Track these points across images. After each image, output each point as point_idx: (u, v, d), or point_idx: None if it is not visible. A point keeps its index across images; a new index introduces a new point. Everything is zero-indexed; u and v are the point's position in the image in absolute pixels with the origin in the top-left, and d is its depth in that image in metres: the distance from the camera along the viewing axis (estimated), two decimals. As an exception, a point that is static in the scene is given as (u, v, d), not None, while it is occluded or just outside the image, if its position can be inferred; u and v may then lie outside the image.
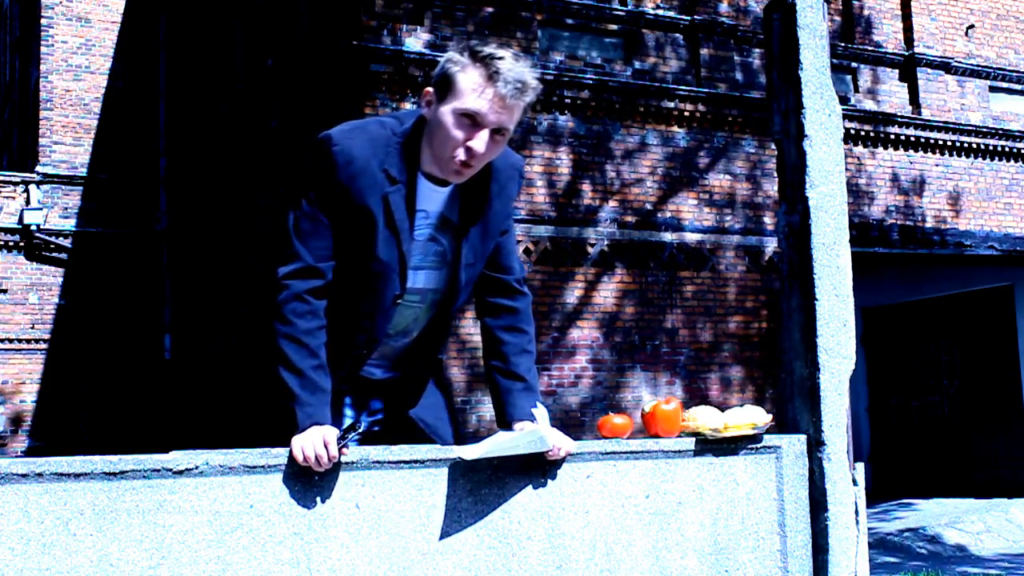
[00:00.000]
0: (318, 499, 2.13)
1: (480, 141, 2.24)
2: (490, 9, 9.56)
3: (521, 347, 2.47)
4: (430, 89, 2.30)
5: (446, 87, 2.25)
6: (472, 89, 2.22)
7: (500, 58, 2.23)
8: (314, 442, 2.11)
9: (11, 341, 15.48)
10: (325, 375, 2.24)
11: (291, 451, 2.13)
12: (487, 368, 2.49)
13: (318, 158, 2.29)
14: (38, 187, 15.81)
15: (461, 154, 2.25)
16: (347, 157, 2.26)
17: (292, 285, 2.26)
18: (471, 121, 2.23)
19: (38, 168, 15.92)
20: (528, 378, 2.45)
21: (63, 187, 15.95)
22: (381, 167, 2.28)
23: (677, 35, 10.49)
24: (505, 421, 2.41)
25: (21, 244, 15.65)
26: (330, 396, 2.24)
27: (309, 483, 2.12)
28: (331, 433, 2.14)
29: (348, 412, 2.45)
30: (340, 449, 2.14)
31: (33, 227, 15.51)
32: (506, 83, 2.21)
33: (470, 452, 2.21)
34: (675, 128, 10.24)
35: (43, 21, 16.18)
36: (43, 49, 16.13)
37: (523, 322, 2.51)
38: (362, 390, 2.47)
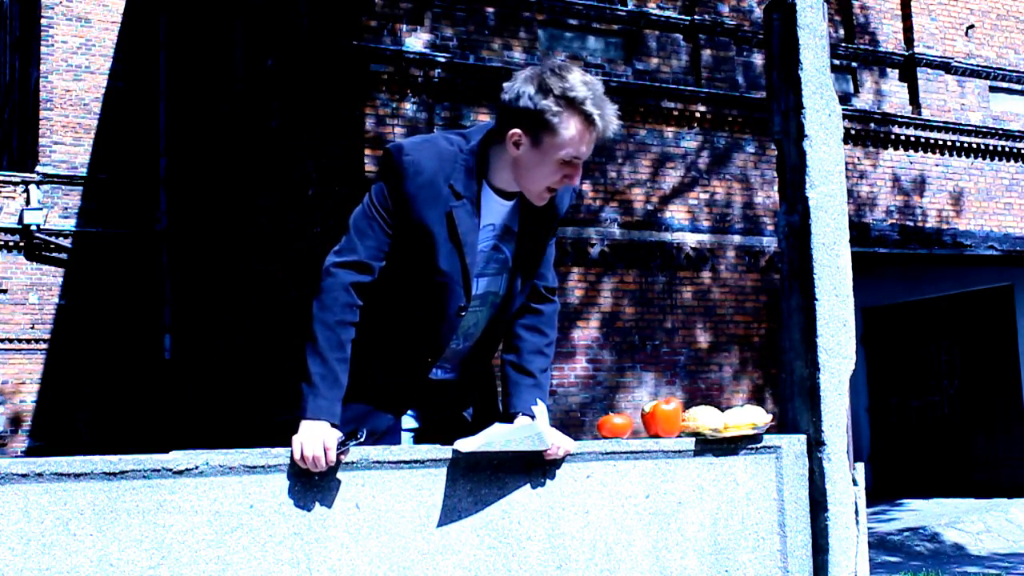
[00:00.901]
0: (318, 499, 2.13)
1: (578, 175, 2.33)
2: (491, 9, 9.56)
3: (538, 347, 2.52)
4: (518, 131, 2.29)
5: (542, 130, 2.27)
6: (575, 138, 2.26)
7: (588, 97, 2.24)
8: (314, 445, 2.12)
9: (11, 341, 15.48)
10: (345, 371, 2.26)
11: (292, 445, 2.14)
12: (502, 363, 2.52)
13: (388, 166, 2.33)
14: (38, 187, 15.81)
15: (557, 186, 2.33)
16: (416, 168, 2.30)
17: (340, 275, 2.29)
18: (570, 162, 2.29)
19: (38, 168, 15.92)
20: (539, 376, 2.48)
21: (63, 187, 15.94)
22: (447, 181, 2.32)
23: (678, 35, 10.50)
24: (507, 412, 2.42)
25: (21, 244, 15.65)
26: (343, 394, 2.25)
27: (309, 483, 2.13)
28: (332, 437, 2.14)
29: (410, 420, 2.49)
30: (339, 455, 2.14)
31: (33, 227, 15.51)
32: (607, 128, 2.27)
33: (466, 445, 2.22)
34: (676, 128, 10.24)
35: (43, 21, 16.17)
36: (43, 49, 16.12)
37: (545, 325, 2.56)
38: (423, 392, 2.49)
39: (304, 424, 2.17)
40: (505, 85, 2.32)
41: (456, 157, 2.34)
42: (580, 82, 2.25)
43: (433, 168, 2.31)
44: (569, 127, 2.25)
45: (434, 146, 2.35)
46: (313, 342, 2.24)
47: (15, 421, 15.44)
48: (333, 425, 2.19)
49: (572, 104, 2.24)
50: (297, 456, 2.12)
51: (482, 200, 2.37)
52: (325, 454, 2.11)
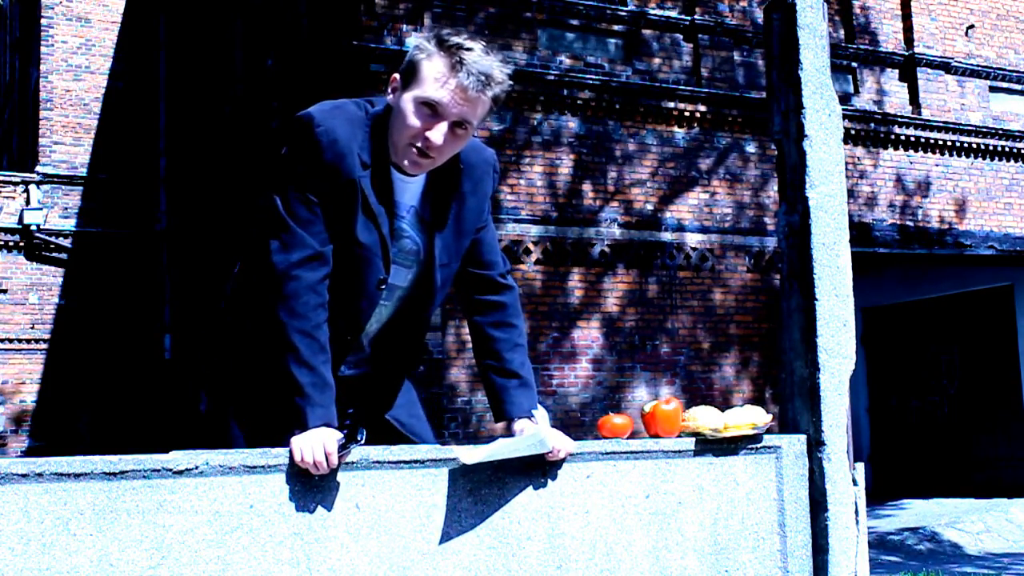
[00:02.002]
0: (318, 499, 2.13)
1: (438, 132, 2.18)
2: (491, 9, 9.56)
3: (513, 342, 2.44)
4: (396, 76, 2.26)
5: (411, 74, 2.21)
6: (435, 78, 2.17)
7: (468, 49, 2.18)
8: (314, 447, 2.07)
9: (11, 341, 15.48)
10: (330, 370, 2.20)
11: (290, 450, 2.11)
12: (481, 367, 2.45)
13: (302, 140, 2.22)
14: (38, 187, 15.81)
15: (419, 143, 2.20)
16: (331, 137, 2.20)
17: (302, 276, 2.18)
18: (431, 111, 2.19)
19: (38, 168, 15.92)
20: (523, 373, 2.43)
21: (63, 187, 15.95)
22: (359, 150, 2.23)
23: (678, 36, 10.50)
24: (503, 418, 2.40)
25: (21, 244, 15.65)
26: (335, 393, 2.20)
27: (309, 483, 2.12)
28: (332, 440, 2.10)
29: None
30: (340, 458, 2.12)
31: (33, 227, 15.51)
32: (469, 74, 2.16)
33: (470, 456, 2.21)
34: (676, 128, 10.24)
35: (43, 21, 16.18)
36: (43, 49, 16.13)
37: (512, 316, 2.47)
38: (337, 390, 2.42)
39: (303, 435, 2.12)
40: None
41: (364, 123, 2.26)
42: (464, 38, 2.19)
43: (346, 135, 2.21)
44: (431, 66, 2.18)
45: (344, 113, 2.25)
46: (294, 352, 2.15)
47: (15, 421, 15.44)
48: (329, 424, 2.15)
49: (441, 46, 2.18)
50: (298, 460, 2.08)
51: (390, 174, 2.28)
52: (327, 458, 2.08)
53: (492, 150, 2.49)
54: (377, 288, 2.30)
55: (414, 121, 2.19)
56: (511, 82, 2.26)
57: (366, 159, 2.23)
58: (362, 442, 2.17)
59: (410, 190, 2.32)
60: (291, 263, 2.18)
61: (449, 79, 2.17)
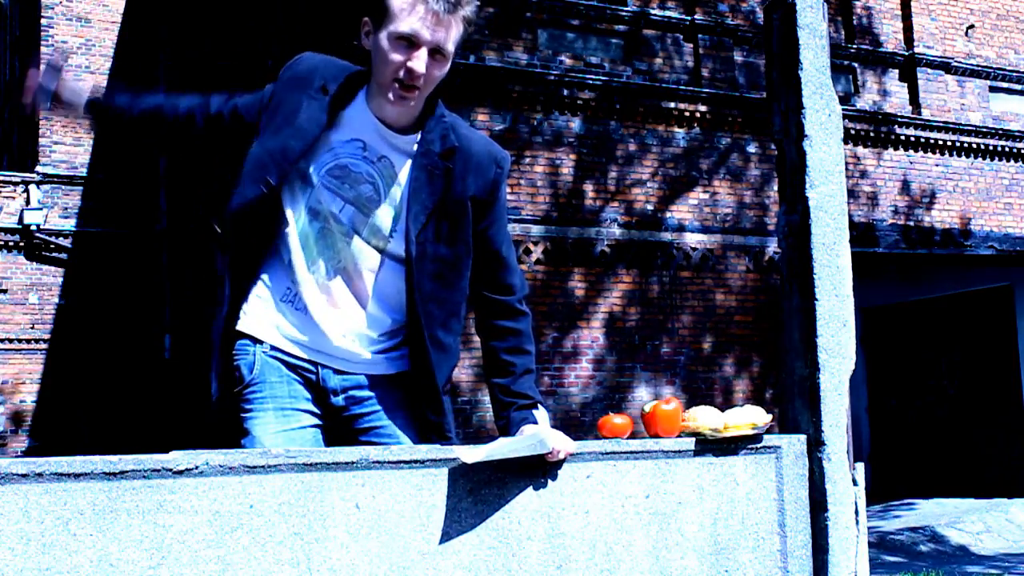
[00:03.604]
0: (318, 499, 2.13)
1: (419, 61, 2.20)
2: (492, 9, 9.56)
3: (525, 367, 2.45)
4: (367, 19, 2.27)
5: (380, 13, 2.23)
6: (403, 9, 2.19)
7: None
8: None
9: (11, 341, 15.49)
10: (122, 100, 2.43)
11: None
12: (491, 385, 2.44)
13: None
14: (38, 187, 15.81)
15: (401, 76, 2.21)
16: (299, 60, 2.33)
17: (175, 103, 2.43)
18: (408, 43, 2.20)
19: (38, 168, 15.93)
20: (533, 395, 2.43)
21: (63, 187, 15.95)
22: (323, 81, 2.30)
23: (678, 36, 10.50)
24: (507, 432, 2.40)
25: (21, 244, 15.66)
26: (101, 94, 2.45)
27: (309, 483, 2.13)
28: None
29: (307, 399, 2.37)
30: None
31: (33, 227, 15.52)
32: None
33: (471, 455, 2.21)
34: (676, 128, 10.24)
35: (43, 21, 16.18)
36: (43, 49, 16.13)
37: (526, 343, 2.47)
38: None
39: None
40: None
41: (349, 70, 2.33)
42: None
43: (314, 65, 2.31)
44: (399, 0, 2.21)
45: (331, 58, 2.36)
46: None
47: (15, 421, 15.44)
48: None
49: None
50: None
51: (352, 112, 2.30)
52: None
53: (507, 153, 2.48)
54: (265, 187, 2.31)
55: (394, 56, 2.21)
56: (478, 2, 2.29)
57: (329, 89, 2.30)
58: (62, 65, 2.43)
59: (386, 142, 2.32)
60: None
61: (417, 6, 2.19)
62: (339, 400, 2.37)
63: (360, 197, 2.31)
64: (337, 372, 2.36)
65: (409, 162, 2.33)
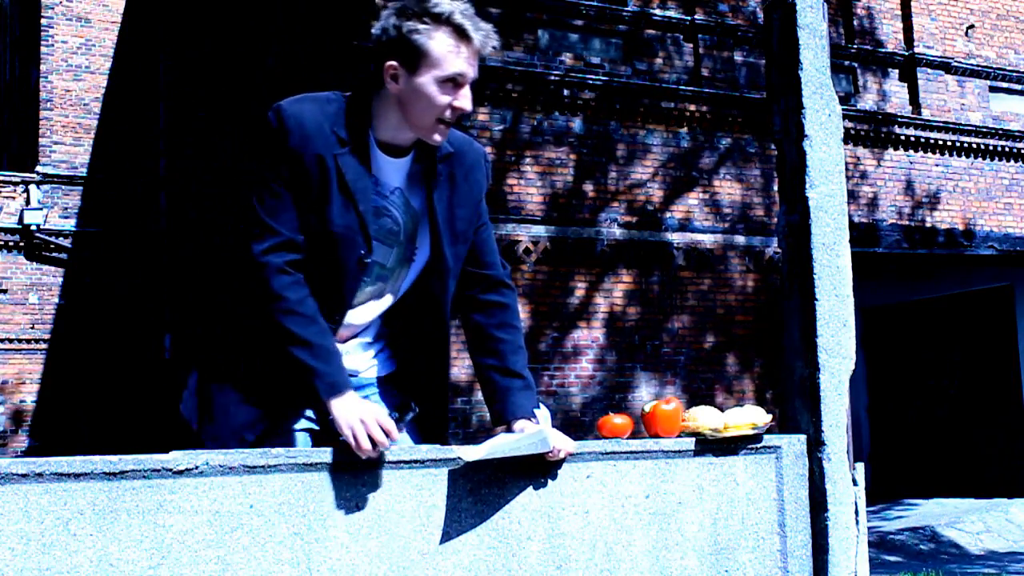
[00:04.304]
0: (318, 499, 2.13)
1: (466, 99, 2.23)
2: (493, 9, 9.56)
3: (516, 344, 2.44)
4: (394, 63, 2.23)
5: (415, 56, 2.20)
6: (449, 52, 2.18)
7: (452, 12, 2.19)
8: (371, 428, 2.07)
9: (11, 341, 15.48)
10: (331, 339, 2.20)
11: (340, 433, 2.09)
12: (481, 366, 2.44)
13: (271, 130, 2.23)
14: (38, 187, 15.81)
15: (448, 116, 2.23)
16: (298, 121, 2.20)
17: (270, 261, 2.19)
18: (454, 84, 2.21)
19: (38, 168, 15.92)
20: (526, 375, 2.42)
21: (63, 187, 15.95)
22: (332, 128, 2.23)
23: (679, 35, 10.50)
24: (504, 419, 2.39)
25: (21, 244, 15.65)
26: (341, 358, 2.20)
27: (309, 483, 2.12)
28: (383, 414, 2.10)
29: (305, 422, 2.37)
30: (401, 428, 2.13)
31: (33, 227, 15.51)
32: (477, 32, 2.19)
33: (471, 453, 2.21)
34: (676, 128, 10.24)
35: (43, 21, 16.17)
36: (43, 49, 16.13)
37: (514, 318, 2.47)
38: None
39: (335, 408, 2.11)
40: (373, 28, 2.26)
41: (341, 105, 2.27)
42: (433, 2, 2.19)
43: (316, 118, 2.22)
44: (440, 43, 2.18)
45: (315, 99, 2.27)
46: (288, 336, 2.16)
47: (15, 421, 15.44)
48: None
49: (438, 19, 2.18)
50: (355, 446, 2.07)
51: (370, 151, 2.28)
52: (388, 435, 2.08)
53: (480, 144, 2.51)
54: (358, 266, 2.28)
55: (442, 99, 2.21)
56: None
57: (344, 136, 2.24)
58: (416, 412, 2.18)
59: (395, 170, 2.32)
60: (260, 251, 2.20)
61: (461, 48, 2.19)
62: None
63: (382, 230, 2.32)
64: None
65: (416, 179, 2.35)
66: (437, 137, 2.26)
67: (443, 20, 2.18)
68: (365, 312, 2.39)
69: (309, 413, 2.36)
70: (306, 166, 2.22)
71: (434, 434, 2.42)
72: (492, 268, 2.47)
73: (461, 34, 2.18)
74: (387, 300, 2.41)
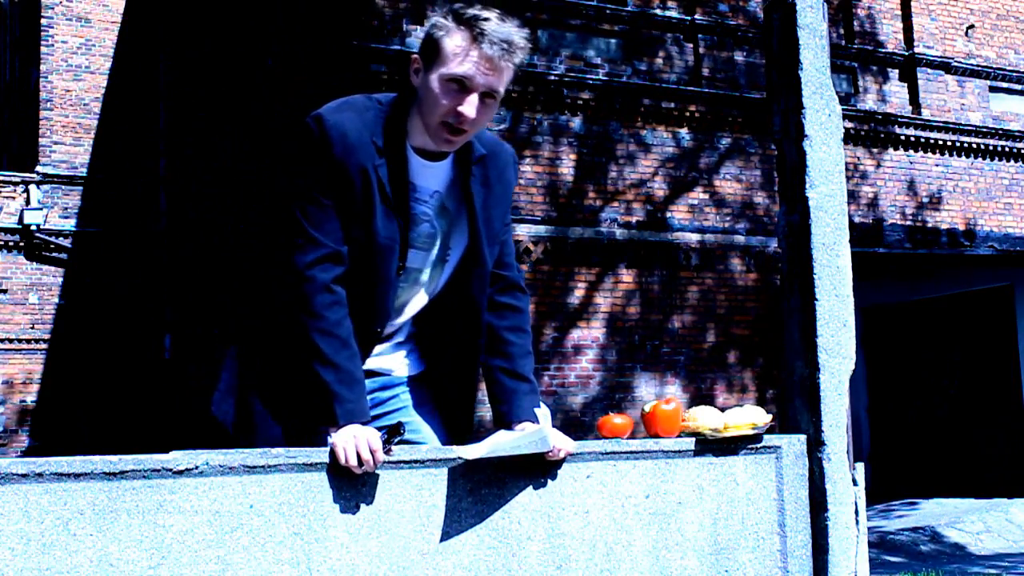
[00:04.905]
0: (318, 499, 2.13)
1: (470, 106, 2.19)
2: (492, 9, 9.55)
3: (526, 348, 2.45)
4: (417, 56, 2.25)
5: (432, 53, 2.21)
6: (458, 52, 2.17)
7: (485, 19, 2.18)
8: (358, 445, 2.08)
9: (11, 341, 15.48)
10: (359, 365, 2.20)
11: (331, 449, 2.10)
12: (489, 367, 2.44)
13: (312, 140, 2.22)
14: (38, 187, 15.81)
15: (451, 120, 2.20)
16: (340, 131, 2.20)
17: (317, 276, 2.18)
18: (460, 86, 2.19)
19: (38, 168, 15.92)
20: (533, 380, 2.44)
21: (63, 187, 15.94)
22: (371, 139, 2.23)
23: (678, 35, 10.50)
24: (507, 421, 2.39)
25: (21, 244, 15.65)
26: (364, 388, 2.20)
27: (309, 483, 2.12)
28: (376, 436, 2.11)
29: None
30: (386, 453, 2.12)
31: (33, 227, 15.51)
32: (492, 44, 2.16)
33: (471, 452, 2.21)
34: (676, 128, 10.24)
35: (43, 21, 16.17)
36: (43, 49, 16.13)
37: (526, 323, 2.48)
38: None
39: (338, 429, 2.12)
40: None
41: (377, 113, 2.26)
42: (478, 8, 2.19)
43: (357, 127, 2.21)
44: (452, 41, 2.18)
45: (353, 106, 2.26)
46: (317, 354, 2.15)
47: (15, 421, 15.44)
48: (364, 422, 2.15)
49: (458, 19, 2.19)
50: (343, 461, 2.08)
51: (407, 159, 2.28)
52: (373, 455, 2.09)
53: (510, 146, 2.51)
54: (397, 275, 2.30)
55: (444, 99, 2.19)
56: (529, 46, 2.27)
57: (382, 146, 2.24)
58: (404, 434, 2.17)
59: (433, 175, 2.33)
60: (305, 264, 2.20)
61: (471, 51, 2.17)
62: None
63: (420, 236, 2.33)
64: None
65: (452, 183, 2.36)
66: (440, 142, 2.24)
67: (464, 21, 2.18)
68: (403, 314, 2.42)
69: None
70: (350, 177, 2.21)
71: (461, 434, 2.45)
72: (508, 270, 2.48)
73: (475, 39, 2.17)
74: (422, 301, 2.42)
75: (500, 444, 2.22)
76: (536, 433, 2.25)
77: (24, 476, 1.90)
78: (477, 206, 2.34)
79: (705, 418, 2.50)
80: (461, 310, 2.41)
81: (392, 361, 2.44)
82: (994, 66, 12.41)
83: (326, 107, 2.26)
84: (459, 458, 2.22)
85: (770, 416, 2.53)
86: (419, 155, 2.30)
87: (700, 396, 9.85)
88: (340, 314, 2.20)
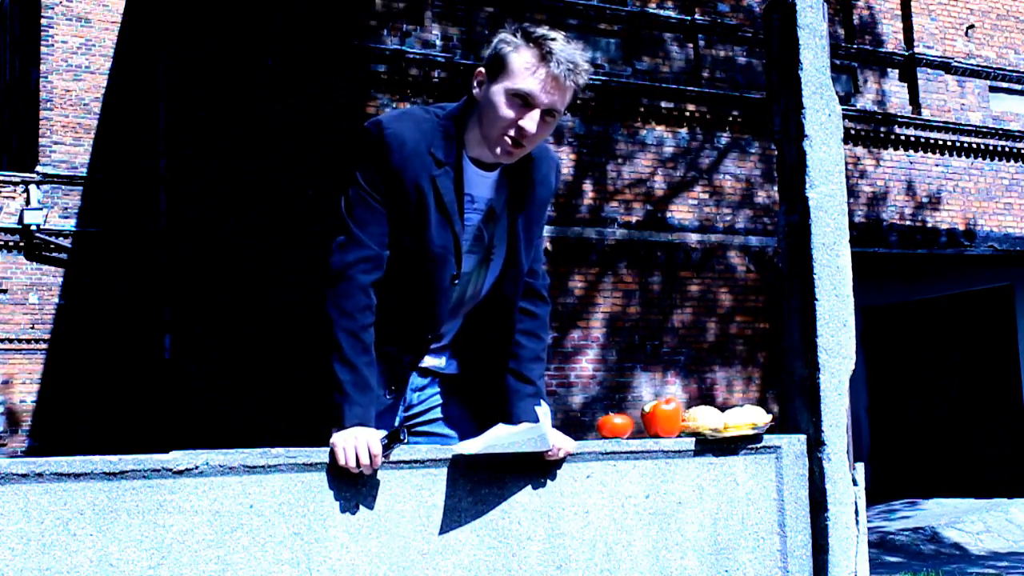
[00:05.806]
0: (318, 499, 2.13)
1: (531, 121, 2.24)
2: (491, 9, 9.56)
3: (536, 353, 2.48)
4: (482, 69, 2.30)
5: (499, 67, 2.26)
6: (525, 69, 2.23)
7: (553, 39, 2.24)
8: (358, 447, 2.09)
9: (11, 341, 15.48)
10: (374, 374, 2.23)
11: (331, 448, 2.12)
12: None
13: (370, 143, 2.27)
14: (38, 187, 15.81)
15: (512, 133, 2.25)
16: (399, 140, 2.25)
17: (355, 277, 2.22)
18: (523, 101, 2.24)
19: (38, 168, 15.92)
20: (538, 383, 2.46)
21: (63, 187, 15.95)
22: (429, 150, 2.27)
23: (678, 35, 10.50)
24: (507, 421, 2.40)
25: (21, 244, 15.65)
26: (375, 396, 2.23)
27: (309, 483, 2.13)
28: (375, 440, 2.12)
29: (412, 395, 2.46)
30: (385, 457, 2.13)
31: (33, 227, 15.51)
32: (559, 63, 2.22)
33: (469, 447, 2.21)
34: (676, 128, 10.24)
35: (43, 21, 16.18)
36: (43, 49, 16.13)
37: (542, 329, 2.51)
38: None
39: (341, 431, 2.14)
40: None
41: (435, 124, 2.30)
42: (545, 30, 2.25)
43: (415, 138, 2.26)
44: (520, 57, 2.23)
45: (412, 117, 2.31)
46: (339, 350, 2.18)
47: (15, 421, 15.44)
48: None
49: (528, 37, 2.24)
50: (342, 462, 2.09)
51: (464, 169, 2.32)
52: (372, 459, 2.10)
53: (556, 153, 2.54)
54: (451, 283, 2.34)
55: (507, 112, 2.24)
56: (592, 70, 2.31)
57: (441, 157, 2.28)
58: (405, 441, 2.18)
59: (483, 183, 2.37)
60: (346, 263, 2.23)
61: (539, 69, 2.23)
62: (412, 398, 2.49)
63: (471, 243, 2.38)
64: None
65: (500, 187, 2.40)
66: (499, 153, 2.28)
67: (533, 40, 2.24)
68: (455, 318, 2.46)
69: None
70: (405, 186, 2.26)
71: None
72: (535, 277, 2.52)
73: (543, 57, 2.22)
74: (470, 304, 2.47)
75: (498, 439, 2.22)
76: (535, 431, 2.25)
77: (24, 476, 1.90)
78: (521, 209, 2.40)
79: (705, 418, 2.50)
80: (495, 310, 2.46)
81: (436, 361, 2.49)
82: (994, 66, 12.41)
83: (386, 115, 2.31)
84: (458, 453, 2.22)
85: (770, 416, 2.53)
86: (475, 165, 2.35)
87: (700, 396, 9.85)
88: (369, 320, 2.24)
